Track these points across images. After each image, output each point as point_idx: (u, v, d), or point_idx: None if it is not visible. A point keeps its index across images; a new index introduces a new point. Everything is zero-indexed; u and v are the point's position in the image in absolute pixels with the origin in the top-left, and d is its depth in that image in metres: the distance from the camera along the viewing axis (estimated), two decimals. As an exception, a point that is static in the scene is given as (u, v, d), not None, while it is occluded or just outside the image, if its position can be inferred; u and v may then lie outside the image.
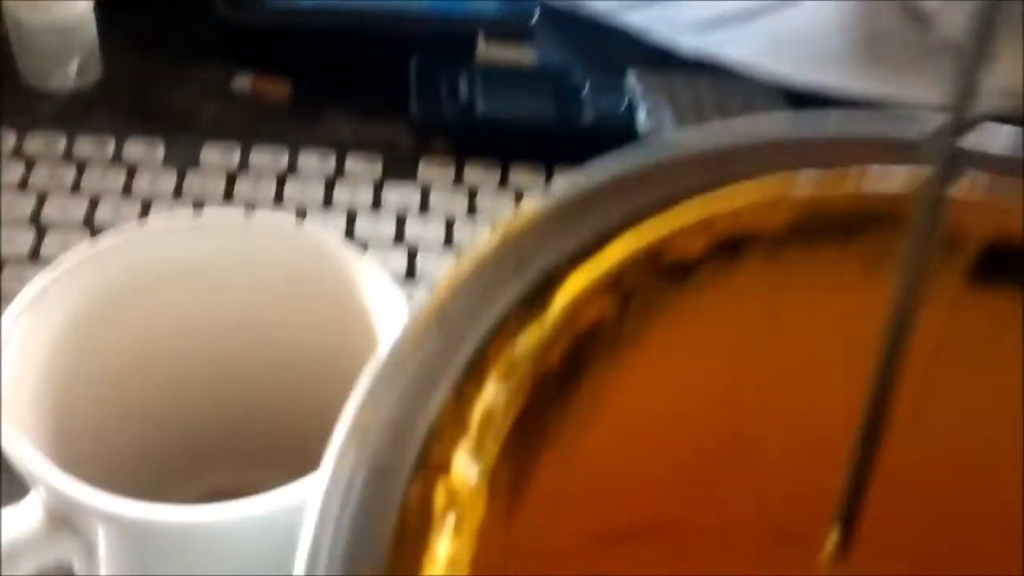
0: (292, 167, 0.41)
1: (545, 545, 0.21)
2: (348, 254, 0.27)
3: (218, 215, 0.29)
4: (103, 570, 0.23)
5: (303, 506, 0.22)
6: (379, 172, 0.42)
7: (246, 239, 0.27)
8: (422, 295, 0.14)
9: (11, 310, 0.24)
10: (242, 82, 0.46)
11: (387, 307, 0.26)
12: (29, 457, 0.22)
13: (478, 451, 0.13)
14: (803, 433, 0.23)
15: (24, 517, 0.22)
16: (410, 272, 0.38)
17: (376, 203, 0.41)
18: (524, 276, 0.15)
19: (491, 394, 0.14)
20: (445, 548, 0.12)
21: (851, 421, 0.22)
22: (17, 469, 0.22)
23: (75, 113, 0.43)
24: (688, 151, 0.17)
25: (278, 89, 0.46)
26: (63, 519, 0.22)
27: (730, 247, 0.18)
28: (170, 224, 0.27)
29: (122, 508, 0.21)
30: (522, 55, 0.48)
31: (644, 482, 0.23)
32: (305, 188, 0.41)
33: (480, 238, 0.15)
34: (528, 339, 0.14)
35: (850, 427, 0.23)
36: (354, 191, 0.41)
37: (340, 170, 0.42)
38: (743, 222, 0.17)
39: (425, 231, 0.40)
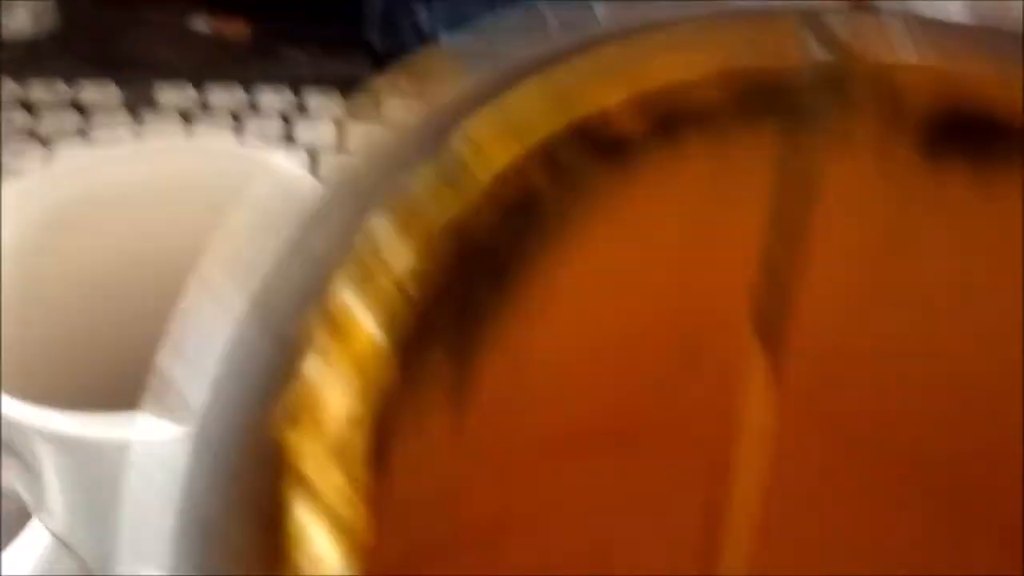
0: (252, 105, 0.41)
1: (496, 453, 0.21)
2: (295, 173, 0.26)
3: (165, 138, 0.29)
4: (48, 495, 0.23)
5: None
6: (341, 112, 0.41)
7: (195, 161, 0.26)
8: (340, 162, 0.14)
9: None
10: (200, 22, 0.45)
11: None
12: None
13: (389, 317, 0.13)
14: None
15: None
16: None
17: (339, 144, 0.40)
18: (444, 146, 0.14)
19: (405, 261, 0.13)
20: (344, 406, 0.11)
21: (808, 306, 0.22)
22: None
23: (30, 57, 0.43)
24: (614, 27, 0.17)
25: (237, 28, 0.45)
26: (5, 443, 0.22)
27: (667, 125, 0.18)
28: (116, 147, 0.26)
29: (61, 424, 0.21)
30: (484, -14, 0.47)
31: (594, 385, 0.22)
32: (265, 126, 0.40)
33: (401, 112, 0.15)
34: (447, 207, 0.14)
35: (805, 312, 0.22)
36: (315, 129, 0.40)
37: (301, 107, 0.41)
38: (677, 96, 0.17)
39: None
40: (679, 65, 0.17)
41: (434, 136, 0.14)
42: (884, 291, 0.20)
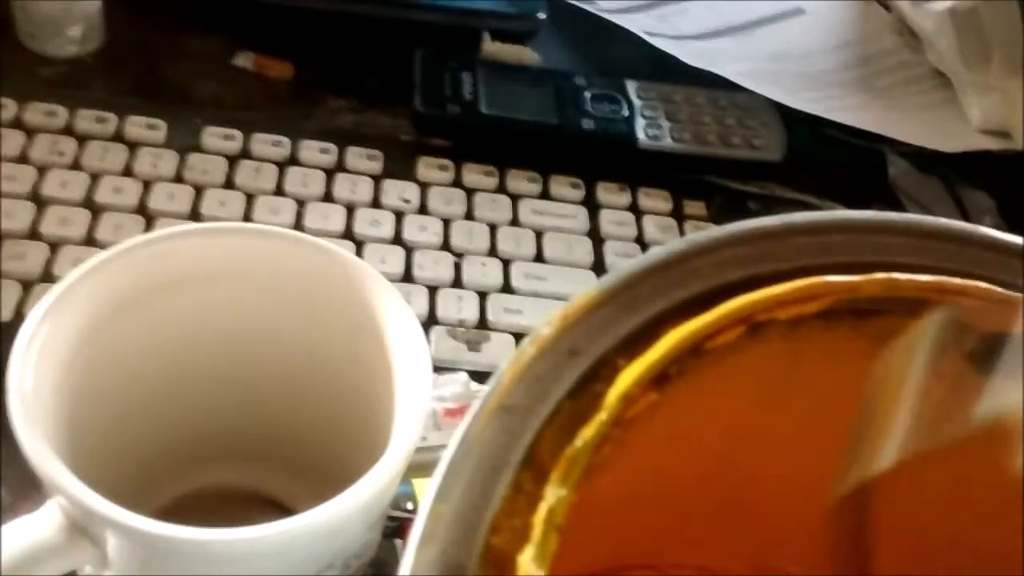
0: (293, 158, 0.42)
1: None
2: (362, 269, 0.27)
3: (234, 224, 0.30)
4: (108, 572, 0.24)
5: (321, 531, 0.22)
6: (379, 168, 0.42)
7: (261, 248, 0.27)
8: (491, 381, 0.15)
9: (31, 317, 0.24)
10: (244, 59, 0.46)
11: (397, 324, 0.26)
12: (51, 466, 0.22)
13: (541, 553, 0.14)
14: (792, 483, 0.24)
15: (44, 525, 0.22)
16: (407, 272, 0.39)
17: (375, 200, 0.41)
18: (579, 370, 0.16)
19: (553, 495, 0.15)
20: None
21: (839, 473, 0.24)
22: (38, 476, 0.22)
23: (75, 82, 0.43)
24: (727, 242, 0.18)
25: (281, 69, 0.46)
26: (81, 529, 0.23)
27: (758, 328, 0.19)
28: (188, 229, 0.27)
29: (144, 524, 0.22)
30: (525, 55, 0.48)
31: (636, 530, 0.24)
32: (305, 180, 0.41)
33: (540, 327, 0.16)
34: (585, 436, 0.15)
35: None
36: (354, 186, 0.41)
37: (341, 164, 0.42)
38: (775, 315, 0.18)
39: (422, 231, 0.40)
40: (780, 289, 0.18)
41: (568, 357, 0.16)
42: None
